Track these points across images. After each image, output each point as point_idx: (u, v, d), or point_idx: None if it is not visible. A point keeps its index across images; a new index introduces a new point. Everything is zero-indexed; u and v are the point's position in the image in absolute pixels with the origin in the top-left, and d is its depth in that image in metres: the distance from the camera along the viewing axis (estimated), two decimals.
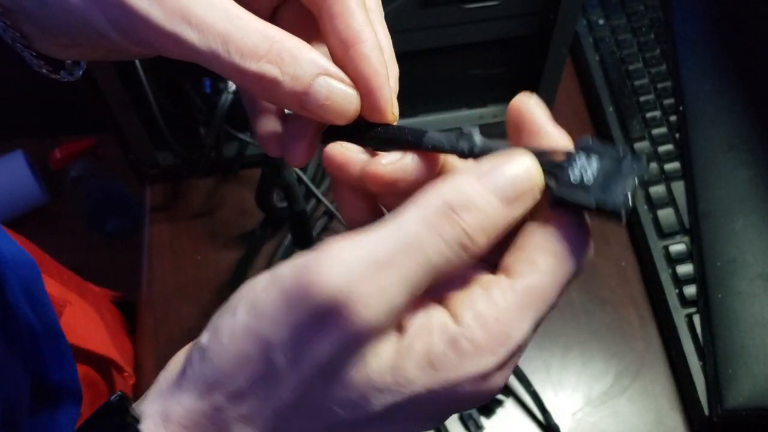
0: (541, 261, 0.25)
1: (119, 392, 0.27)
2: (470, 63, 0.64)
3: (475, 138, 0.27)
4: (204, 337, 0.25)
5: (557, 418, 0.57)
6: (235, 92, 0.59)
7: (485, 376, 0.24)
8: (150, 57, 0.28)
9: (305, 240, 0.60)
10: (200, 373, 0.25)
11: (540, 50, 0.62)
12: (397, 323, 0.25)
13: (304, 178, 0.63)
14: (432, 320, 0.24)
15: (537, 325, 0.25)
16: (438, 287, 0.26)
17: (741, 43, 0.70)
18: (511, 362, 0.25)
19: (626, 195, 0.24)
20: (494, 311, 0.24)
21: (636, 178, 0.24)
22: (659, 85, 0.69)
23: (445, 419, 0.27)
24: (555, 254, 0.25)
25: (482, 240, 0.24)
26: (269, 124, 0.32)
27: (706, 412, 0.55)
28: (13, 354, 0.43)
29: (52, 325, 0.50)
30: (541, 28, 0.61)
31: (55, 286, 0.56)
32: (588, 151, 0.25)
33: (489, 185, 0.24)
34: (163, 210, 0.68)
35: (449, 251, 0.23)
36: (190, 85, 0.60)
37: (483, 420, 0.57)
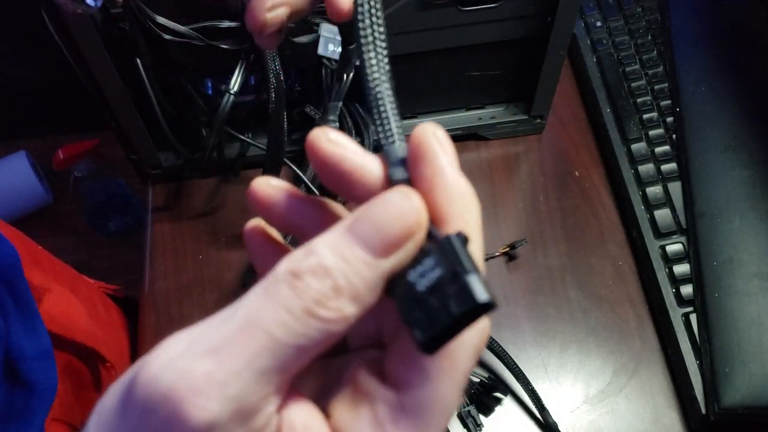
0: (433, 367, 0.21)
1: None
2: (468, 65, 0.64)
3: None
4: None
5: (555, 415, 0.57)
6: (237, 94, 0.59)
7: None
8: None
9: None
10: None
11: (538, 52, 0.63)
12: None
13: (304, 178, 0.63)
14: None
15: None
16: (333, 389, 0.23)
17: (737, 45, 0.70)
18: None
19: (431, 334, 0.20)
20: None
21: (454, 320, 0.20)
22: (656, 87, 0.69)
23: None
24: (449, 356, 0.21)
25: (340, 304, 0.20)
26: None
27: (703, 410, 0.56)
28: None
29: (29, 311, 0.51)
30: (539, 31, 0.61)
31: (38, 274, 0.57)
32: (443, 253, 0.21)
33: (349, 238, 0.20)
34: (165, 210, 0.68)
35: (296, 323, 0.20)
36: (192, 87, 0.61)
37: (482, 418, 0.58)
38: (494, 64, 0.65)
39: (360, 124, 0.67)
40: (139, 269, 0.66)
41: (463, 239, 0.21)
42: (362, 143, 0.66)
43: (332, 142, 0.23)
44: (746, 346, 0.55)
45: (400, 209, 0.21)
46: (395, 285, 0.21)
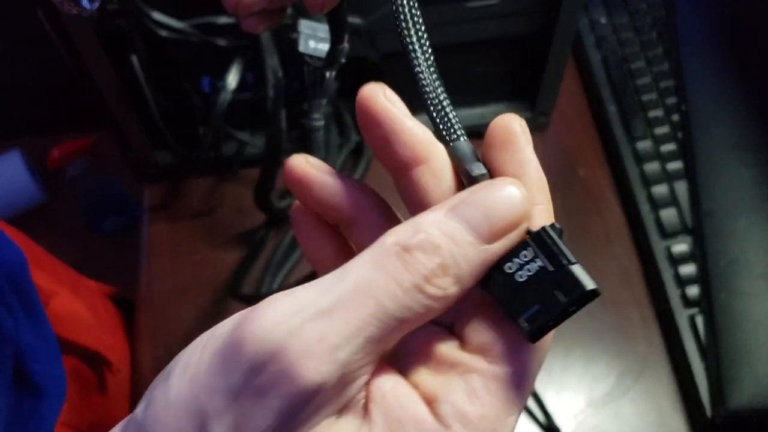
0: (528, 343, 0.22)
1: None
2: (471, 61, 0.64)
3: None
4: (139, 409, 0.21)
5: (559, 419, 0.57)
6: (234, 91, 0.58)
7: None
8: None
9: None
10: None
11: (542, 49, 0.62)
12: (362, 403, 0.21)
13: None
14: (406, 410, 0.21)
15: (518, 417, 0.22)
16: (406, 360, 0.23)
17: (744, 42, 0.69)
18: None
19: (538, 323, 0.21)
20: (478, 408, 0.21)
21: (562, 308, 0.21)
22: (662, 84, 0.69)
23: None
24: None
25: (445, 283, 0.20)
26: None
27: (709, 413, 0.55)
28: None
29: (37, 314, 0.50)
30: (543, 27, 0.60)
31: (43, 277, 0.57)
32: (541, 244, 0.21)
33: (456, 219, 0.21)
34: (161, 209, 0.68)
35: (405, 296, 0.20)
36: (189, 84, 0.60)
37: None
38: (497, 60, 0.64)
39: None
40: (135, 270, 0.65)
41: (560, 231, 0.22)
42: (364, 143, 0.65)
43: (388, 99, 0.24)
44: (753, 347, 0.55)
45: (511, 197, 0.21)
46: (490, 276, 0.22)
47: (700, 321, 0.58)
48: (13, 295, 0.47)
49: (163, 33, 0.53)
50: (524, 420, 0.58)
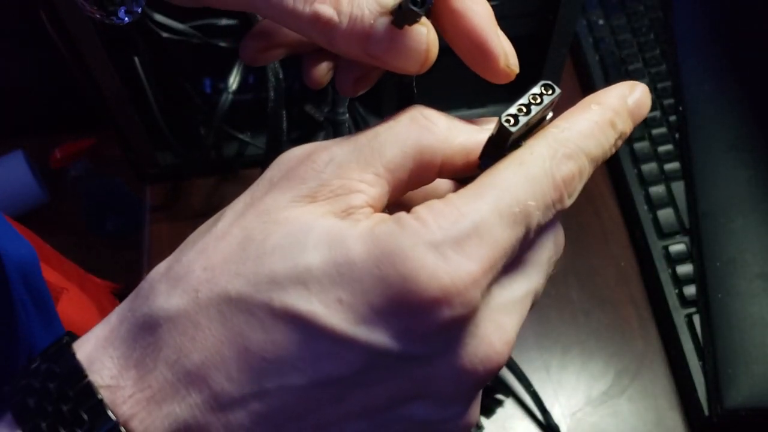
0: (503, 166, 0.24)
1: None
2: None
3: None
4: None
5: (557, 418, 0.57)
6: (235, 93, 0.58)
7: (433, 248, 0.21)
8: (196, 6, 0.27)
9: None
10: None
11: (540, 50, 0.62)
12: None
13: None
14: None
15: (514, 224, 0.23)
16: None
17: (741, 43, 0.69)
18: (472, 245, 0.22)
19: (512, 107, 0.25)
20: (445, 200, 0.23)
21: (529, 96, 0.25)
22: (659, 86, 0.69)
23: (420, 344, 0.22)
24: (522, 160, 0.24)
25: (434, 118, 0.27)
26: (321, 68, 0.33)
27: (706, 412, 0.55)
28: (8, 334, 0.43)
29: (48, 310, 0.51)
30: (541, 28, 0.61)
31: (53, 274, 0.57)
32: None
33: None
34: (163, 209, 0.68)
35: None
36: (190, 85, 0.60)
37: (483, 420, 0.57)
38: None
39: (360, 123, 0.66)
40: (137, 270, 0.66)
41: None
42: None
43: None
44: (749, 347, 0.55)
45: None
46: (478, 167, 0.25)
47: (697, 320, 0.58)
48: (25, 291, 0.47)
49: (165, 34, 0.54)
50: (522, 418, 0.58)
